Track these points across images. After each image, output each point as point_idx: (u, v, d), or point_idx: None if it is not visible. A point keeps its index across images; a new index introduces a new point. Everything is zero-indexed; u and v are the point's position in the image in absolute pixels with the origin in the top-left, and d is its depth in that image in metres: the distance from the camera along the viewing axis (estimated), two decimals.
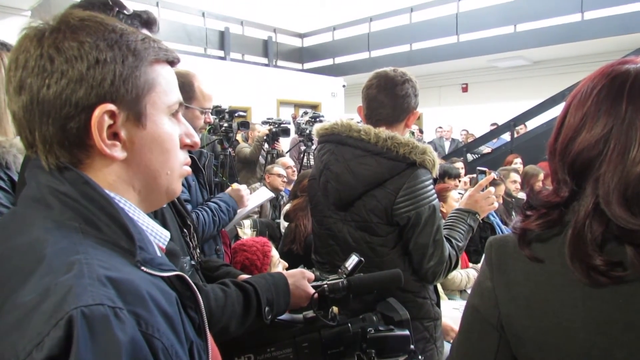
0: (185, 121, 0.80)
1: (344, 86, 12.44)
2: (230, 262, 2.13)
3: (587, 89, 0.82)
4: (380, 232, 1.75)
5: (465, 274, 3.27)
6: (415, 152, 1.69)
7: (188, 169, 0.82)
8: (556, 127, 0.87)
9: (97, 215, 0.66)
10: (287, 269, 2.12)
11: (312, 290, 1.34)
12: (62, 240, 0.62)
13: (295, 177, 4.86)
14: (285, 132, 6.21)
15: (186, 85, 2.06)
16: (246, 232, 3.32)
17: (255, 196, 2.65)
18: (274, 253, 2.16)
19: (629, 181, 0.73)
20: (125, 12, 1.31)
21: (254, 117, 9.44)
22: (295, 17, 14.52)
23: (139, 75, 0.70)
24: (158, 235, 0.78)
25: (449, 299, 3.17)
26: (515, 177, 4.92)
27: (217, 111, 5.27)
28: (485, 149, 9.67)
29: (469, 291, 3.29)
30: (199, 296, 0.72)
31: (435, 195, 1.75)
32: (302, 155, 6.32)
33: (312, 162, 6.17)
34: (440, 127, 11.06)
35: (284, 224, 3.74)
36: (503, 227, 3.99)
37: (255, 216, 4.21)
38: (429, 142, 9.77)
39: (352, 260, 1.36)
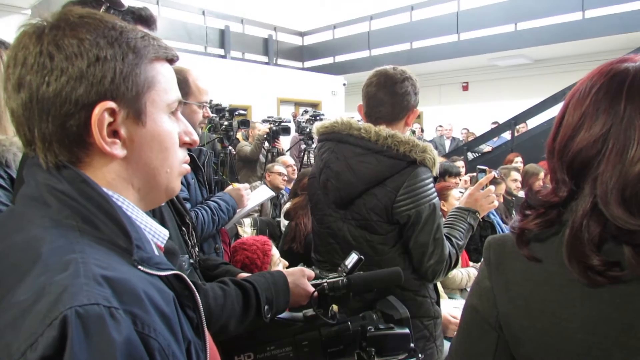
0: (184, 119, 0.80)
1: (344, 85, 12.44)
2: (229, 260, 2.12)
3: (586, 88, 0.82)
4: (381, 230, 1.74)
5: (466, 273, 3.27)
6: (416, 151, 1.69)
7: (187, 167, 0.82)
8: (555, 126, 0.87)
9: (95, 214, 0.65)
10: (287, 268, 2.12)
11: (312, 289, 1.33)
12: (59, 238, 0.62)
13: (295, 176, 4.86)
14: (286, 131, 6.22)
15: (181, 82, 2.05)
16: (246, 230, 3.32)
17: (255, 195, 2.65)
18: (274, 252, 2.16)
19: (628, 181, 0.72)
20: (116, 8, 1.30)
21: (254, 115, 9.43)
22: (296, 15, 14.51)
23: (139, 72, 0.70)
24: (156, 234, 0.78)
25: (449, 297, 3.16)
26: (516, 175, 4.92)
27: (218, 109, 5.28)
28: (486, 147, 9.66)
29: (469, 290, 3.28)
30: (197, 295, 0.72)
31: (435, 194, 1.75)
32: (302, 154, 6.32)
33: (312, 161, 6.17)
34: (440, 126, 11.05)
35: (284, 223, 3.73)
36: (503, 225, 3.98)
37: (256, 215, 4.21)
38: (430, 141, 9.75)
39: (352, 259, 1.35)
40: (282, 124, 6.21)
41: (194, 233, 1.52)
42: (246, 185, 2.49)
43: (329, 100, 12.16)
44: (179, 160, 0.79)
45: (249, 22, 13.35)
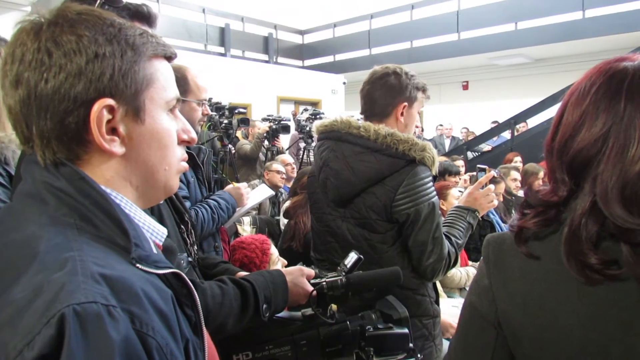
0: (182, 117, 0.80)
1: (344, 83, 12.43)
2: (229, 259, 2.12)
3: (585, 87, 0.82)
4: (380, 229, 1.74)
5: (465, 272, 3.27)
6: (415, 149, 1.69)
7: (185, 165, 0.82)
8: (553, 126, 0.87)
9: (93, 212, 0.65)
10: (286, 267, 2.11)
11: (311, 288, 1.33)
12: (56, 236, 0.62)
13: (294, 174, 4.86)
14: (285, 129, 6.22)
15: (180, 79, 2.05)
16: (245, 229, 3.32)
17: (255, 194, 2.65)
18: (273, 250, 2.16)
19: (627, 180, 0.72)
20: (112, 4, 1.29)
21: (254, 113, 9.43)
22: (296, 13, 14.50)
23: (137, 70, 0.70)
24: (155, 232, 0.78)
25: (448, 296, 3.17)
26: (516, 175, 4.92)
27: (217, 108, 5.28)
28: (486, 146, 9.65)
29: (468, 288, 3.28)
30: (196, 294, 0.71)
31: (434, 193, 1.75)
32: (302, 153, 6.32)
33: (312, 159, 6.17)
34: (440, 125, 11.03)
35: (283, 221, 3.73)
36: (503, 225, 3.98)
37: (255, 213, 4.21)
38: (429, 140, 9.73)
39: (351, 258, 1.35)
40: (282, 122, 6.21)
41: (192, 231, 1.52)
42: (245, 184, 2.49)
43: (329, 98, 12.15)
44: (178, 158, 0.78)
45: (249, 20, 13.33)
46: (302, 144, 6.38)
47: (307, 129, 6.15)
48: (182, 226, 1.47)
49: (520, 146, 7.71)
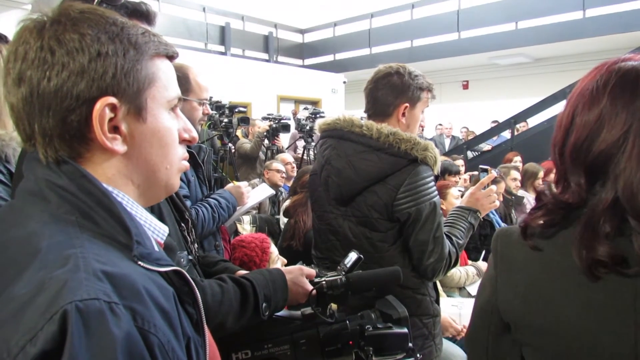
0: (184, 116, 0.80)
1: (344, 82, 12.43)
2: (230, 258, 2.12)
3: (597, 88, 0.83)
4: (381, 227, 1.74)
5: (464, 272, 3.28)
6: (417, 149, 1.69)
7: (186, 164, 0.82)
8: (562, 129, 0.87)
9: (94, 209, 0.65)
10: (286, 265, 2.12)
11: (310, 287, 1.33)
12: (58, 233, 0.62)
13: (294, 173, 4.86)
14: (285, 128, 6.22)
15: (182, 78, 2.05)
16: (245, 228, 3.32)
17: (255, 193, 2.65)
18: (273, 249, 2.16)
19: None
20: (110, 3, 1.30)
21: (254, 112, 9.43)
22: (296, 12, 14.48)
23: (140, 69, 0.70)
24: (156, 230, 0.78)
25: (447, 296, 3.17)
26: (516, 174, 4.92)
27: (217, 106, 5.27)
28: (486, 146, 9.66)
29: (467, 288, 3.29)
30: (197, 292, 0.72)
31: (436, 192, 1.75)
32: (302, 152, 6.32)
33: (312, 158, 6.17)
34: (440, 124, 11.03)
35: (283, 220, 3.73)
36: (502, 224, 3.99)
37: (255, 212, 4.21)
38: (429, 139, 9.72)
39: (351, 258, 1.35)
40: (282, 121, 6.21)
41: (192, 229, 1.52)
42: (245, 182, 2.49)
43: (329, 97, 12.15)
44: (179, 157, 0.78)
45: (249, 19, 13.33)
46: (302, 143, 6.37)
47: (307, 128, 6.15)
48: (183, 224, 1.47)
49: (520, 146, 7.72)
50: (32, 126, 0.67)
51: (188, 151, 0.83)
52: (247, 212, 3.17)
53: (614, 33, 9.20)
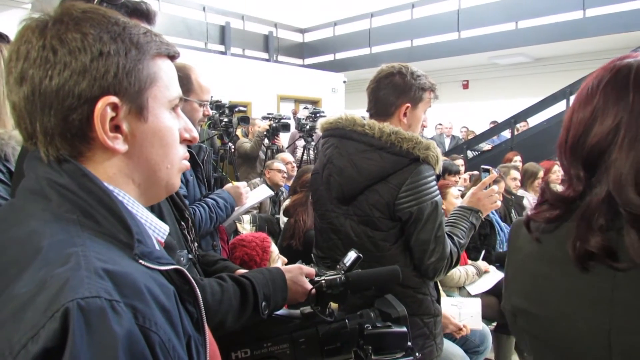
0: (184, 116, 0.81)
1: (344, 82, 12.42)
2: (228, 257, 2.12)
3: (593, 85, 0.86)
4: (382, 226, 1.75)
5: (464, 271, 3.28)
6: (419, 148, 1.70)
7: (187, 164, 0.82)
8: (564, 128, 0.90)
9: (95, 208, 0.65)
10: (286, 265, 2.12)
11: (310, 286, 1.33)
12: (59, 232, 0.62)
13: (294, 173, 4.86)
14: (286, 128, 6.21)
15: (184, 78, 2.05)
16: (245, 227, 3.32)
17: (254, 193, 2.65)
18: (273, 248, 2.16)
19: None
20: (110, 2, 1.30)
21: (254, 112, 9.42)
22: (297, 12, 14.48)
23: (141, 68, 0.70)
24: (157, 229, 0.78)
25: (447, 295, 3.17)
26: (515, 174, 4.92)
27: (217, 106, 5.28)
28: (486, 146, 9.66)
29: (467, 288, 3.29)
30: (198, 290, 0.72)
31: (437, 192, 1.75)
32: (302, 151, 6.32)
33: (312, 158, 6.17)
34: (440, 124, 11.03)
35: (283, 220, 3.74)
36: (502, 223, 3.99)
37: (255, 211, 4.21)
38: (429, 139, 9.71)
39: (351, 257, 1.36)
40: (282, 120, 6.20)
41: (192, 228, 1.52)
42: (244, 183, 2.48)
43: (329, 97, 12.15)
44: (179, 157, 0.79)
45: (249, 19, 13.32)
46: (301, 143, 6.37)
47: (307, 127, 6.15)
48: (182, 223, 1.47)
49: (520, 145, 7.72)
50: (34, 125, 0.67)
51: (187, 151, 0.84)
52: (247, 212, 3.17)
53: (614, 33, 9.19)
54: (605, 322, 0.77)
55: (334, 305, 1.37)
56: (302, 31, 14.97)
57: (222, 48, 12.51)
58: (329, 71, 12.76)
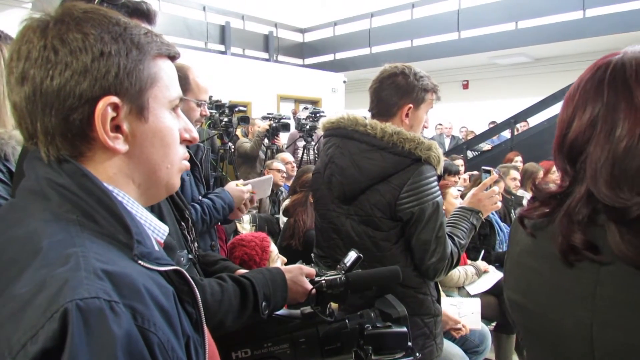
0: (184, 116, 0.81)
1: (344, 82, 12.43)
2: (226, 257, 2.12)
3: (575, 85, 0.89)
4: (383, 226, 1.75)
5: (464, 271, 3.28)
6: (421, 148, 1.70)
7: (187, 164, 0.82)
8: (557, 127, 0.93)
9: (95, 208, 0.65)
10: (285, 265, 2.12)
11: (310, 286, 1.34)
12: (59, 232, 0.62)
13: (294, 173, 4.86)
14: (285, 127, 6.21)
15: (181, 78, 2.02)
16: (245, 227, 3.33)
17: (256, 185, 2.57)
18: (273, 248, 2.16)
19: (616, 158, 0.77)
20: (110, 2, 1.30)
21: (254, 112, 9.43)
22: (297, 12, 14.49)
23: (142, 68, 0.70)
24: (156, 230, 0.78)
25: (446, 295, 3.17)
26: (515, 174, 4.92)
27: (217, 106, 5.28)
28: (486, 146, 9.66)
29: (466, 288, 3.30)
30: (197, 291, 0.72)
31: (439, 192, 1.75)
32: (302, 151, 6.32)
33: (312, 158, 6.17)
34: (440, 124, 11.03)
35: (282, 220, 3.74)
36: (502, 223, 3.99)
37: (254, 211, 4.21)
38: (429, 139, 9.70)
39: (351, 257, 1.36)
40: (282, 120, 6.20)
41: (193, 228, 1.52)
42: (249, 187, 2.43)
43: (329, 97, 12.15)
44: (179, 157, 0.79)
45: (249, 19, 13.32)
46: (302, 143, 6.37)
47: (307, 127, 6.15)
48: (183, 223, 1.47)
49: (520, 145, 7.71)
50: (35, 125, 0.67)
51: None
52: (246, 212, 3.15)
53: (614, 33, 9.20)
54: (588, 316, 0.79)
55: (334, 306, 1.37)
56: (302, 31, 14.97)
57: (222, 48, 12.51)
58: (329, 71, 12.76)
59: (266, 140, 6.12)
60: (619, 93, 0.80)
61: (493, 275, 3.44)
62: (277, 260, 2.15)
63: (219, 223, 2.31)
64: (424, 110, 1.89)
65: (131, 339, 0.55)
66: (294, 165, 5.40)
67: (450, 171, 4.35)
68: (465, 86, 13.91)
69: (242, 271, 1.42)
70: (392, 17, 12.95)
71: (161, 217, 1.32)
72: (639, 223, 0.73)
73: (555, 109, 8.18)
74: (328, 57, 14.42)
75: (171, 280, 0.69)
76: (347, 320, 1.28)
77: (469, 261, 3.46)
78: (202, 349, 0.73)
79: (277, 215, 4.30)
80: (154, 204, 1.29)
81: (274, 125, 6.10)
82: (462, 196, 3.45)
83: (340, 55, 14.19)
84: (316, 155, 6.20)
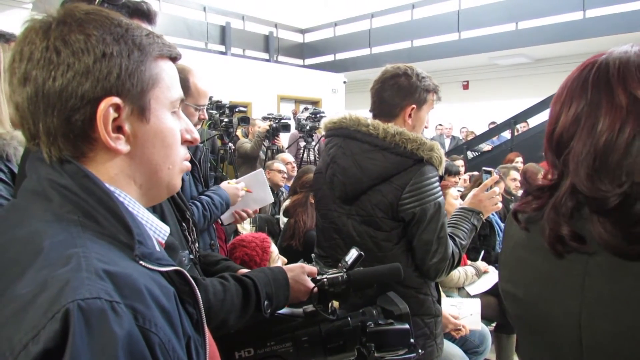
0: (185, 117, 0.81)
1: (344, 82, 12.43)
2: (227, 257, 2.12)
3: (564, 83, 0.94)
4: (385, 227, 1.75)
5: (464, 272, 3.28)
6: (423, 149, 1.70)
7: (188, 165, 0.83)
8: (547, 123, 0.96)
9: (96, 209, 0.65)
10: (286, 264, 2.12)
11: (312, 285, 1.34)
12: (60, 233, 0.62)
13: (295, 173, 4.86)
14: (286, 128, 6.21)
15: (181, 81, 2.03)
16: (245, 227, 3.33)
17: (248, 180, 2.54)
18: (273, 249, 2.17)
19: (597, 151, 0.80)
20: (111, 2, 1.30)
21: (255, 112, 9.43)
22: (297, 12, 14.50)
23: (144, 70, 0.71)
24: (158, 230, 0.78)
25: (446, 296, 3.17)
26: (515, 175, 4.92)
27: (218, 106, 5.27)
28: (486, 146, 9.65)
29: (466, 288, 3.29)
30: (198, 292, 0.72)
31: (440, 193, 1.75)
32: (302, 152, 6.32)
33: (312, 158, 6.17)
34: (440, 125, 11.03)
35: (283, 220, 3.74)
36: (502, 224, 3.99)
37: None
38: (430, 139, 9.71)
39: (352, 255, 1.36)
40: (282, 121, 6.20)
41: (194, 228, 1.52)
42: (242, 184, 2.43)
43: (330, 97, 12.16)
44: (181, 157, 0.79)
45: (250, 19, 13.33)
46: (302, 143, 6.37)
47: (307, 127, 6.15)
48: (184, 224, 1.47)
49: (520, 146, 7.71)
50: (37, 125, 0.67)
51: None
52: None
53: (615, 33, 9.19)
54: (577, 306, 0.81)
55: (335, 304, 1.37)
56: (303, 31, 14.98)
57: (222, 48, 12.52)
58: (329, 71, 12.77)
59: (266, 141, 6.12)
60: (601, 91, 0.83)
61: (493, 276, 3.43)
62: (277, 260, 2.16)
63: (219, 223, 2.32)
64: (426, 111, 1.89)
65: (132, 339, 0.55)
66: (294, 165, 5.40)
67: (450, 172, 4.35)
68: (466, 87, 13.91)
69: (245, 271, 1.43)
70: (393, 18, 12.96)
71: (163, 218, 1.32)
72: (617, 212, 0.76)
73: None
74: (328, 58, 14.43)
75: (172, 281, 0.69)
76: (349, 318, 1.29)
77: (469, 262, 3.46)
78: (203, 349, 0.73)
79: (277, 216, 4.30)
80: (155, 205, 1.29)
81: (274, 125, 6.10)
82: (463, 197, 3.46)
83: (340, 56, 14.19)
84: (317, 156, 6.20)
